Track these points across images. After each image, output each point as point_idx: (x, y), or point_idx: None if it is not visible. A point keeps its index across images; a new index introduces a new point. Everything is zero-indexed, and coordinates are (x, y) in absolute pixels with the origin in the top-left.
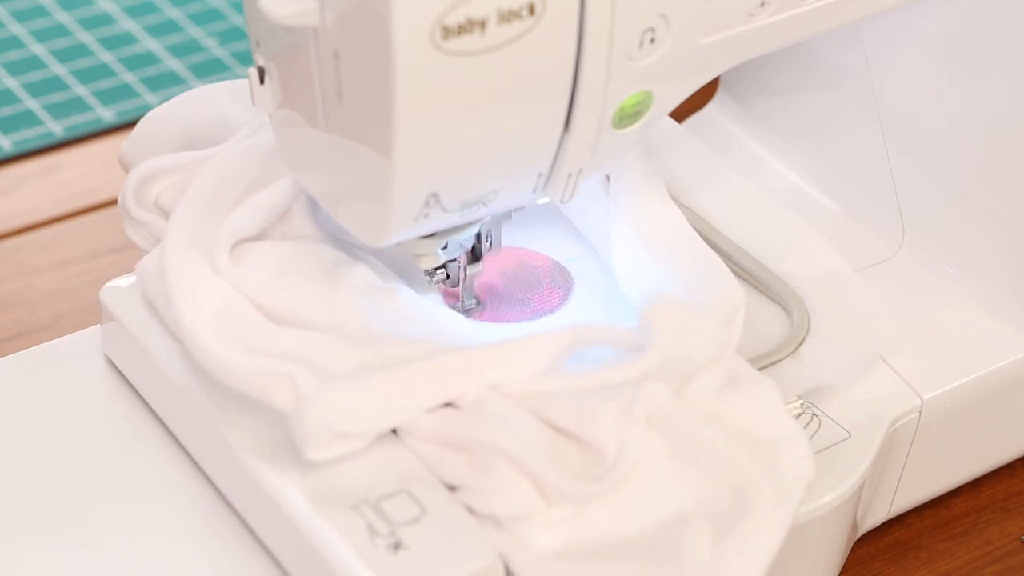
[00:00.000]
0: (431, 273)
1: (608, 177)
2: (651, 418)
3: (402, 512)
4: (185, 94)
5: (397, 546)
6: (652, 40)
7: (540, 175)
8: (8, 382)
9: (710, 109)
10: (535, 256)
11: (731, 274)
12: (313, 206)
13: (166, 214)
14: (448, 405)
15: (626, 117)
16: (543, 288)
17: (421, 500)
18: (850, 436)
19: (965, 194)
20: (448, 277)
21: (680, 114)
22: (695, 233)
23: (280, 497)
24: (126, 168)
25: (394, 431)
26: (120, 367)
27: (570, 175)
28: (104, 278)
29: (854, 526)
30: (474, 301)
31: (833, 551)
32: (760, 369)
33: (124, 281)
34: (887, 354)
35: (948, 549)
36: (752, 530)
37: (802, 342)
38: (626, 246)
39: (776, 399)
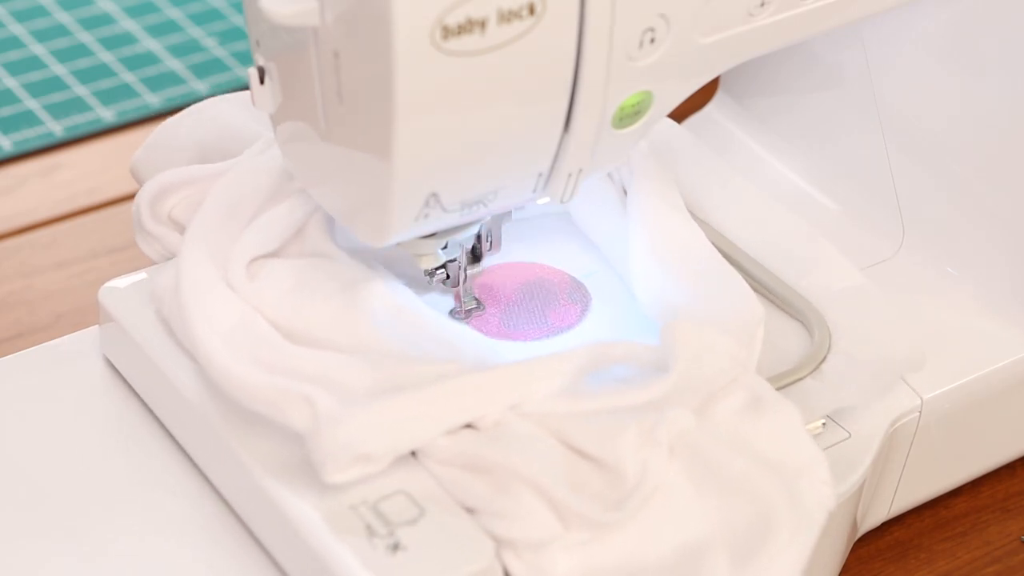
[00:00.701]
0: (431, 273)
1: (625, 191)
2: (673, 443)
3: (401, 513)
4: (198, 104)
5: (396, 547)
6: (652, 40)
7: (540, 175)
8: (8, 382)
9: (710, 109)
10: (551, 271)
11: (750, 290)
12: (329, 222)
13: (180, 227)
14: (468, 426)
15: (626, 117)
16: (560, 304)
17: (419, 501)
18: (850, 436)
19: (965, 194)
20: (448, 277)
21: (680, 114)
22: (713, 248)
23: (279, 498)
24: (138, 179)
25: (412, 453)
26: (119, 367)
27: (570, 175)
28: (104, 278)
29: (854, 526)
30: (474, 303)
31: (833, 551)
32: (780, 388)
33: (123, 281)
34: (909, 373)
35: (948, 549)
36: (772, 558)
37: (823, 360)
38: (643, 261)
39: (798, 423)
